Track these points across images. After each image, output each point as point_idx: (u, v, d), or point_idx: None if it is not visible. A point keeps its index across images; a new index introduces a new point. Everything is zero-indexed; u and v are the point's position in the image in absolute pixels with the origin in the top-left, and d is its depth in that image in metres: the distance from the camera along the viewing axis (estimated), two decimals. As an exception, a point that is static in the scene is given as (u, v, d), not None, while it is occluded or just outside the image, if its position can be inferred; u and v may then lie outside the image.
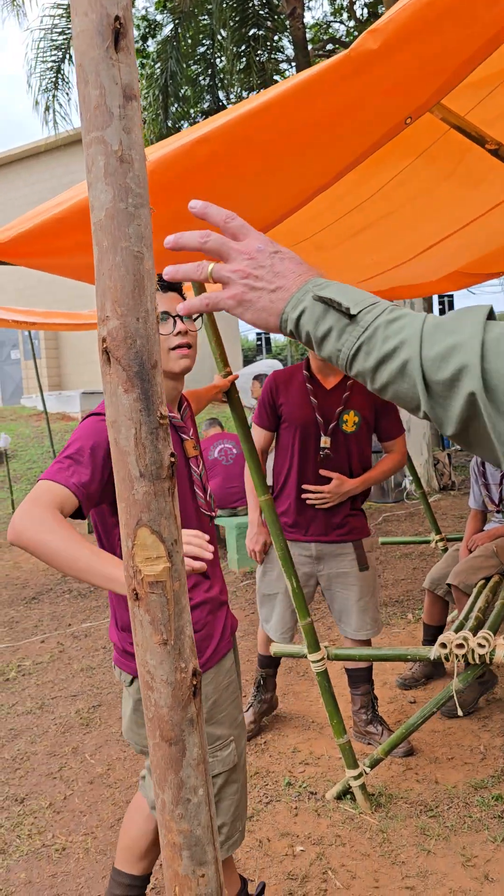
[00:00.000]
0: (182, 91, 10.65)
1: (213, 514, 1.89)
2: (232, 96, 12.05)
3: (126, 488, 0.73)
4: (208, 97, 11.69)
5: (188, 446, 1.84)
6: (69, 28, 10.11)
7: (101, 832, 2.54)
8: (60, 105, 10.14)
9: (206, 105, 11.46)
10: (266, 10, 9.88)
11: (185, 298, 1.77)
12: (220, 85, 11.71)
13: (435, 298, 15.11)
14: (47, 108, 10.15)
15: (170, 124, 9.83)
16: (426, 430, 8.58)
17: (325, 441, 2.78)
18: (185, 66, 10.53)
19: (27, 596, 5.81)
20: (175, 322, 1.72)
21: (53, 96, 10.19)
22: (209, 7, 9.82)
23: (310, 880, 2.22)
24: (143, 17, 12.46)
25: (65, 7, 10.13)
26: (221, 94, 11.92)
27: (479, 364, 0.64)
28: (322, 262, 2.76)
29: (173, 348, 1.71)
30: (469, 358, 0.65)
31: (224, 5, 9.57)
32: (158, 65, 10.01)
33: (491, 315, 0.70)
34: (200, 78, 11.17)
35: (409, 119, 1.26)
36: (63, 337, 16.02)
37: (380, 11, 11.08)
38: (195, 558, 1.38)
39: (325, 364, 2.77)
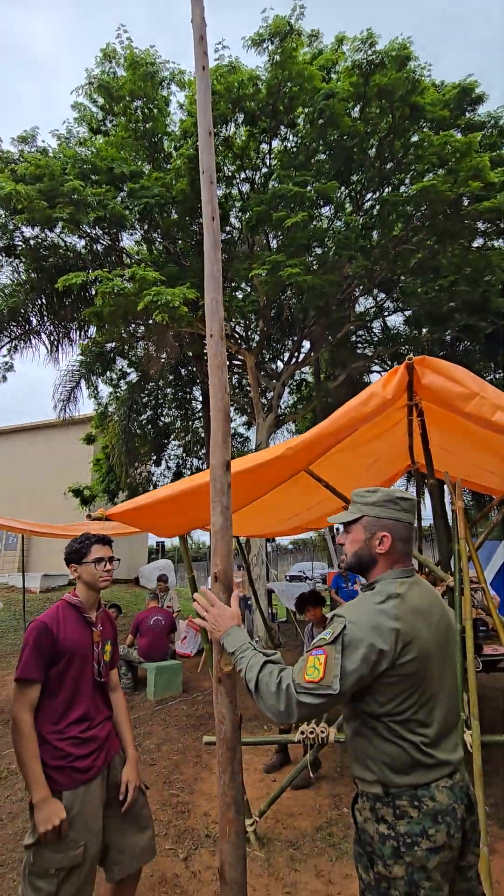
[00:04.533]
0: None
1: (103, 679, 2.79)
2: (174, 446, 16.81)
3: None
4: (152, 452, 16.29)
5: (94, 634, 2.78)
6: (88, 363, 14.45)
7: None
8: (69, 412, 14.77)
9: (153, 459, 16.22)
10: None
11: (112, 547, 2.94)
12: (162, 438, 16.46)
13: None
14: (63, 410, 14.64)
15: (128, 470, 14.44)
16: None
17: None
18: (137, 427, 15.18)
19: (4, 719, 7.04)
20: (106, 563, 2.84)
21: (65, 406, 14.70)
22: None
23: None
24: (102, 412, 16.34)
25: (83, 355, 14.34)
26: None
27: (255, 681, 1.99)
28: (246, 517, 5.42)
29: (102, 577, 2.83)
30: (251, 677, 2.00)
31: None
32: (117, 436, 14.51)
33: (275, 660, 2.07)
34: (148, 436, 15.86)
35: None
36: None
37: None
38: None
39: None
